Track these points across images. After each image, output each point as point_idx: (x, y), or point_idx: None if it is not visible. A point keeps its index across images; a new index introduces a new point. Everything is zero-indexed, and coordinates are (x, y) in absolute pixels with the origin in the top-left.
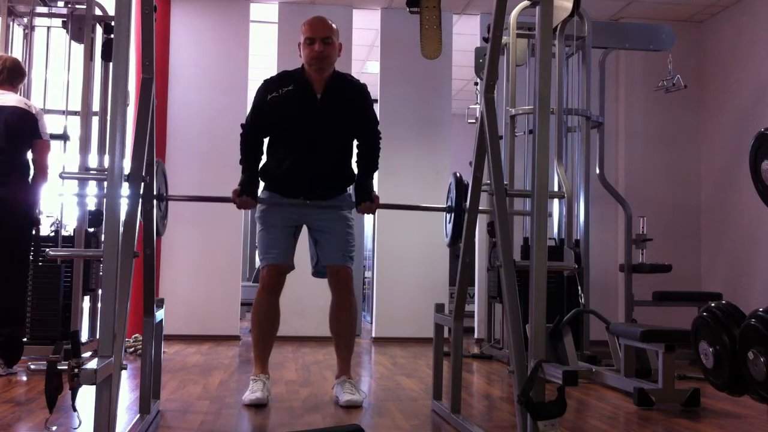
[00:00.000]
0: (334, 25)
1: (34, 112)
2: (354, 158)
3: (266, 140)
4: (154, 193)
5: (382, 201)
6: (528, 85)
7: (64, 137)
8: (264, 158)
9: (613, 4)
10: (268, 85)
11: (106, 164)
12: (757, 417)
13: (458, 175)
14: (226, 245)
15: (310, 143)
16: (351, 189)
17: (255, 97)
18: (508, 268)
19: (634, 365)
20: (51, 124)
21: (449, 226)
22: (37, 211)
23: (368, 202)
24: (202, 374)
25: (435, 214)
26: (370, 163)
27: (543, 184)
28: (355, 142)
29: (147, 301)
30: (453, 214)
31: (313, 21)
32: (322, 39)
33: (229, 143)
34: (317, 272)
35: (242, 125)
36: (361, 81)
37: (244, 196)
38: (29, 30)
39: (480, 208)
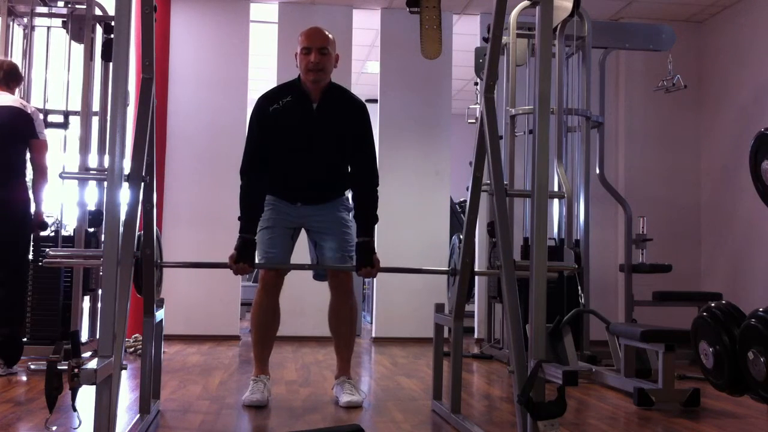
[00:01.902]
0: (331, 36)
1: (29, 111)
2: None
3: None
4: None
5: (381, 202)
6: (528, 85)
7: (65, 125)
8: None
9: (613, 4)
10: (267, 100)
11: (106, 164)
12: (757, 417)
13: (460, 237)
14: (226, 245)
15: (308, 149)
16: (348, 193)
17: (253, 118)
18: (508, 268)
19: (634, 365)
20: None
21: (453, 289)
22: (43, 212)
23: (369, 267)
24: (202, 374)
25: (434, 212)
26: (368, 220)
27: (543, 184)
28: (351, 192)
29: (147, 301)
30: (456, 278)
31: (310, 31)
32: (319, 49)
33: (229, 143)
34: (318, 275)
35: (241, 172)
36: (360, 99)
37: (240, 263)
38: (29, 30)
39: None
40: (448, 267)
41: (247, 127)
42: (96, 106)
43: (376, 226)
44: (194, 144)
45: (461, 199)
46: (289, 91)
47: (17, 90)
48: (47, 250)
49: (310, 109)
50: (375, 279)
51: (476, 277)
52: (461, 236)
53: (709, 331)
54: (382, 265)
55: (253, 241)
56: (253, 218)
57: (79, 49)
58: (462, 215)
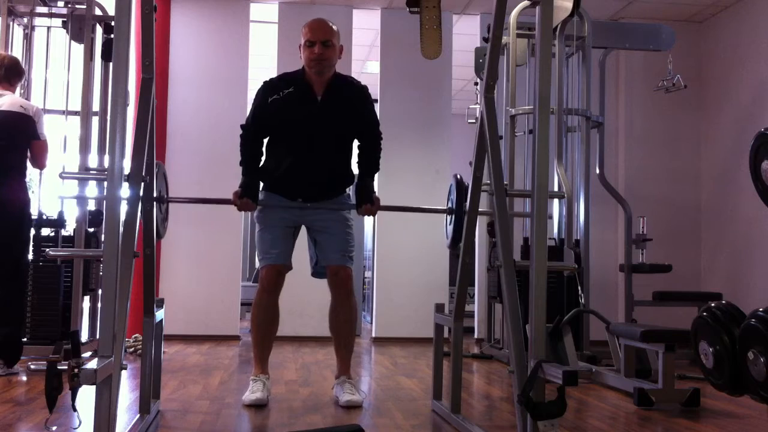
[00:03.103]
0: (334, 27)
1: (31, 113)
2: (354, 159)
3: (266, 140)
4: (155, 194)
5: (382, 202)
6: (528, 85)
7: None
8: (264, 159)
9: (613, 4)
10: (268, 87)
11: (106, 164)
12: (757, 417)
13: (458, 176)
14: (226, 245)
15: (309, 145)
16: (350, 190)
17: (255, 99)
18: (508, 268)
19: (634, 365)
20: (51, 124)
21: (450, 228)
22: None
23: (369, 204)
24: (202, 374)
25: (435, 214)
26: (370, 164)
27: (543, 184)
28: (356, 143)
29: (147, 301)
30: (454, 216)
31: (314, 24)
32: (323, 42)
33: (229, 143)
34: (317, 273)
35: (242, 126)
36: (362, 83)
37: (244, 198)
38: (29, 30)
39: (481, 209)
40: (446, 206)
41: (252, 102)
42: (96, 106)
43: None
44: (194, 144)
45: (458, 173)
46: (292, 82)
47: (18, 87)
48: (47, 250)
49: (314, 101)
50: (375, 279)
51: (476, 278)
52: (458, 176)
53: (709, 331)
54: (382, 263)
55: (257, 181)
56: (255, 163)
57: (79, 49)
58: None
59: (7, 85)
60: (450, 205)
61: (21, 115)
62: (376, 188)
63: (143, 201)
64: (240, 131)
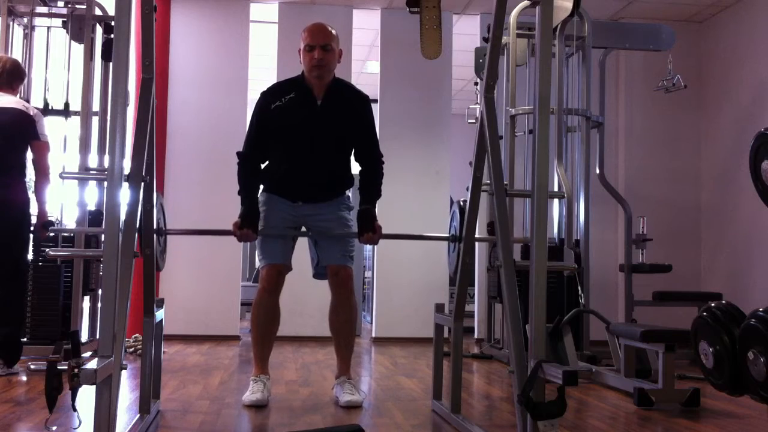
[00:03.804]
0: (334, 32)
1: (32, 113)
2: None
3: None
4: (153, 227)
5: (382, 203)
6: (528, 85)
7: (66, 113)
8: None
9: (613, 4)
10: (269, 95)
11: (106, 164)
12: (757, 417)
13: (461, 203)
14: (226, 245)
15: (309, 148)
16: (350, 192)
17: (255, 112)
18: (508, 268)
19: (634, 365)
20: (50, 122)
21: (453, 256)
22: (47, 212)
23: (370, 232)
24: (202, 374)
25: (435, 214)
26: (372, 190)
27: (543, 184)
28: (358, 169)
29: (147, 301)
30: (456, 244)
31: (313, 28)
32: (322, 46)
33: (229, 143)
34: (318, 274)
35: (238, 154)
36: (364, 92)
37: (244, 229)
38: (29, 30)
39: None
40: (448, 233)
41: (250, 117)
42: (96, 106)
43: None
44: (194, 144)
45: (461, 199)
46: (292, 87)
47: (20, 88)
48: (47, 250)
49: (314, 106)
50: (375, 279)
51: (476, 277)
52: (461, 202)
53: (709, 331)
54: (383, 263)
55: (256, 208)
56: (253, 189)
57: (79, 49)
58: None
59: (8, 89)
60: (453, 232)
61: (23, 113)
62: None
63: (143, 201)
64: (237, 159)
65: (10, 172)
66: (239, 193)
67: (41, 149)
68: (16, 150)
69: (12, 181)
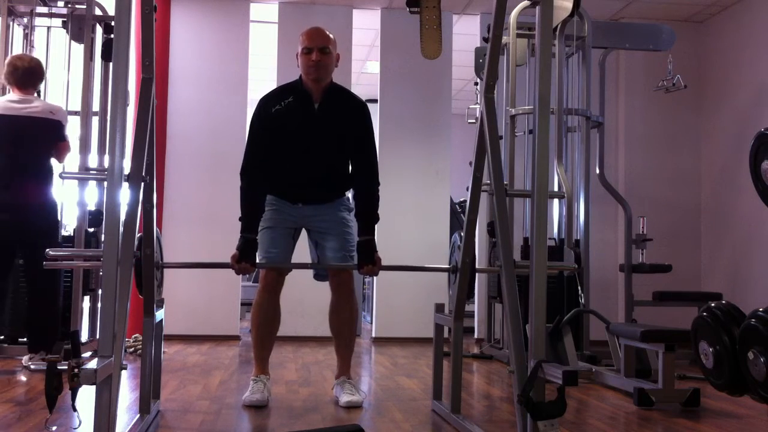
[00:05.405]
0: (331, 36)
1: (59, 118)
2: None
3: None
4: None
5: (382, 204)
6: (528, 85)
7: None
8: None
9: (613, 4)
10: (268, 100)
11: (106, 164)
12: (757, 417)
13: (461, 234)
14: (226, 245)
15: (309, 149)
16: (349, 193)
17: (255, 118)
18: (508, 268)
19: (634, 365)
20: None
21: (454, 288)
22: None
23: (370, 264)
24: (202, 374)
25: (434, 212)
26: (369, 216)
27: (543, 184)
28: (351, 193)
29: (147, 301)
30: (458, 275)
31: (311, 31)
32: (320, 49)
33: (229, 143)
34: (319, 275)
35: (241, 173)
36: (362, 99)
37: (242, 262)
38: (29, 30)
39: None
40: (449, 265)
41: (248, 128)
42: (96, 106)
43: (377, 225)
44: (194, 144)
45: (461, 199)
46: (291, 91)
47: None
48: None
49: (312, 109)
50: (375, 279)
51: (476, 277)
52: (462, 233)
53: (709, 331)
54: (383, 263)
55: (255, 240)
56: (255, 218)
57: (79, 49)
58: (462, 215)
59: (31, 89)
60: (453, 263)
61: (52, 122)
62: None
63: (143, 201)
64: (240, 181)
65: (46, 178)
66: (240, 219)
67: (62, 150)
68: (47, 155)
69: (47, 186)
